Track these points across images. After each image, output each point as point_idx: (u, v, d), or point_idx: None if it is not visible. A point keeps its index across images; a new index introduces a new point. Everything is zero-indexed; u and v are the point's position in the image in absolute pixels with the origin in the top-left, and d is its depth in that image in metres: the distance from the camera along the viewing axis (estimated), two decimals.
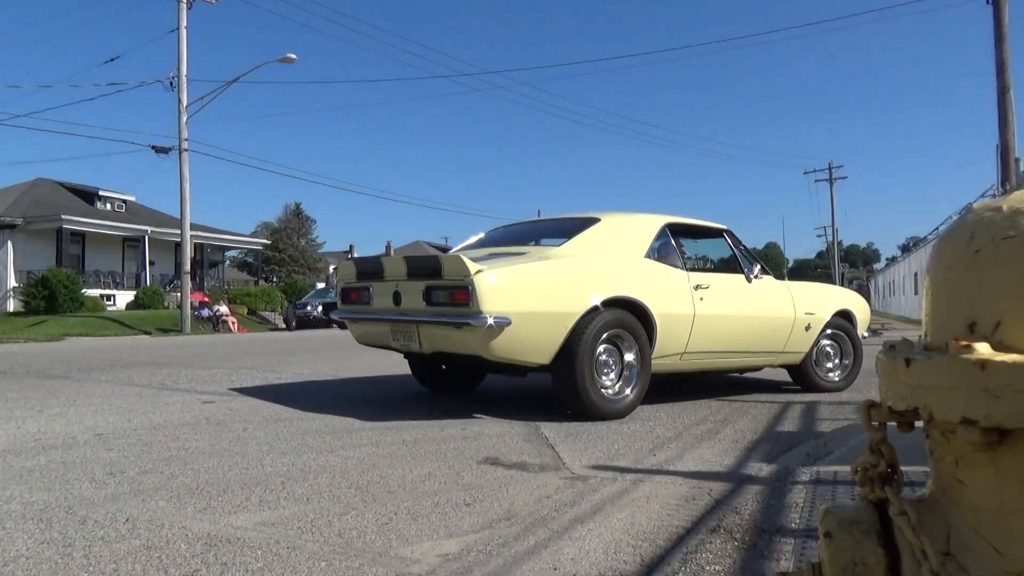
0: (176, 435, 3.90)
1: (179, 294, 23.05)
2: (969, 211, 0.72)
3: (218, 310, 23.49)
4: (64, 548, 2.07)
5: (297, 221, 63.86)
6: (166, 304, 27.61)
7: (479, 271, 4.02)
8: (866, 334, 6.40)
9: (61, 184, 33.92)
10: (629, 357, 4.52)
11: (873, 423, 0.73)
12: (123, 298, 28.97)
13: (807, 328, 5.66)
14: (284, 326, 23.46)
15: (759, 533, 2.19)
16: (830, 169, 46.01)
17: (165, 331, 20.47)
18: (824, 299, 5.92)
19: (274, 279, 47.84)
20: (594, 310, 4.32)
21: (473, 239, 5.69)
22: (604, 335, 4.37)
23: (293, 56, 21.07)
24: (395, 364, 8.61)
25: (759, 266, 5.51)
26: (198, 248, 32.57)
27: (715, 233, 5.58)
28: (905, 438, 0.76)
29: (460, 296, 4.05)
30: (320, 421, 4.37)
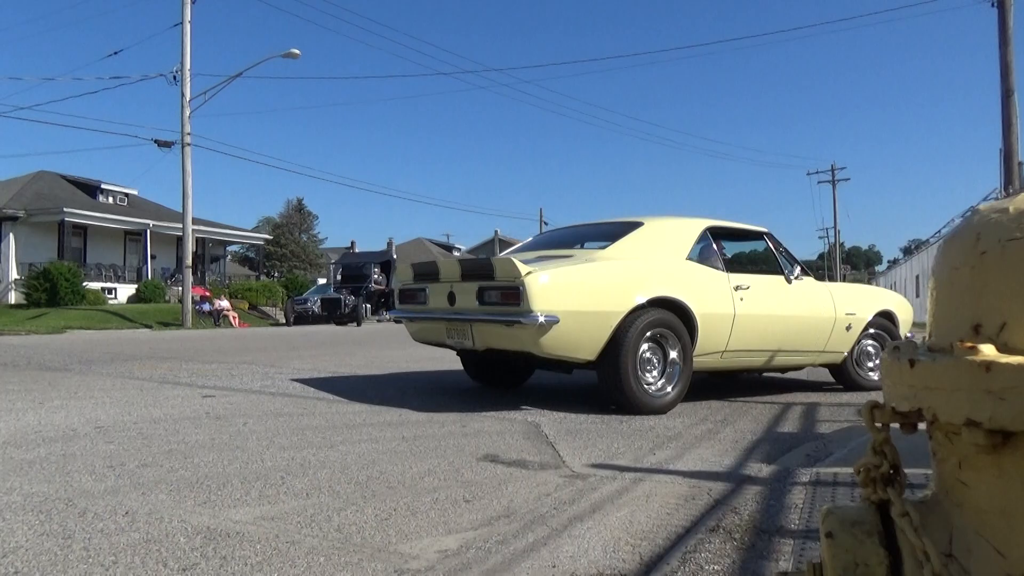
0: (176, 429, 3.91)
1: (180, 288, 23.09)
2: (975, 213, 0.72)
3: (219, 305, 23.50)
4: (64, 540, 2.07)
5: (299, 216, 63.86)
6: (167, 298, 27.63)
7: (529, 272, 4.26)
8: (909, 334, 6.46)
9: (63, 177, 33.94)
10: (672, 355, 4.70)
11: (876, 424, 0.73)
12: (124, 291, 29.01)
13: (848, 328, 5.78)
14: (284, 321, 23.47)
15: (758, 533, 2.19)
16: (833, 170, 45.99)
17: (166, 325, 20.49)
18: (865, 300, 6.04)
19: (275, 274, 47.88)
20: (637, 309, 4.51)
21: (522, 243, 6.03)
22: (648, 334, 4.56)
23: (297, 51, 21.06)
24: (394, 360, 8.62)
25: (799, 267, 5.67)
26: (200, 242, 32.58)
27: (756, 236, 5.80)
28: (907, 440, 0.76)
29: (511, 296, 4.30)
30: (320, 416, 4.37)
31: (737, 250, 6.40)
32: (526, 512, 2.41)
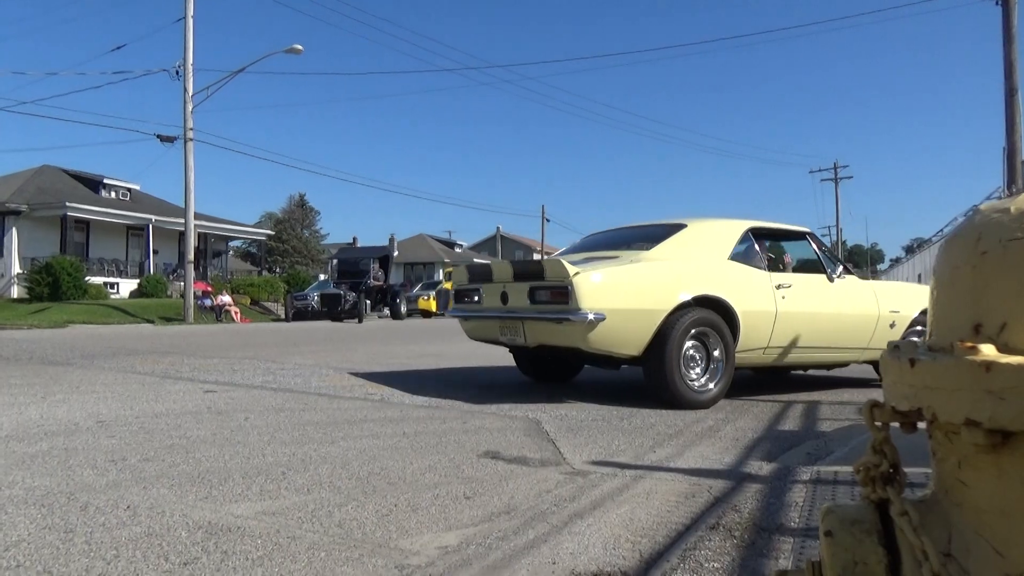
0: (178, 423, 3.92)
1: (182, 283, 23.11)
2: (976, 212, 0.72)
3: (221, 300, 23.52)
4: (65, 534, 2.08)
5: (301, 212, 63.86)
6: (169, 293, 27.67)
7: (577, 273, 4.52)
8: None
9: (66, 172, 33.97)
10: (715, 352, 4.87)
11: (876, 423, 0.73)
12: (126, 286, 29.04)
13: (892, 325, 5.85)
14: (284, 316, 23.34)
15: (758, 531, 2.20)
16: (835, 168, 45.92)
17: (168, 320, 20.52)
18: (910, 297, 6.11)
19: (277, 270, 47.90)
20: (681, 308, 4.71)
21: (570, 245, 6.36)
22: (691, 332, 4.75)
23: (299, 47, 21.05)
24: (397, 356, 8.63)
25: (842, 267, 5.81)
26: (202, 238, 32.61)
27: (798, 236, 5.95)
28: (907, 439, 0.76)
29: (561, 295, 4.58)
30: (321, 412, 4.38)
31: (779, 250, 6.65)
32: (527, 509, 2.42)
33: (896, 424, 0.72)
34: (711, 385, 4.83)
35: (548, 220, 53.77)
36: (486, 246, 69.34)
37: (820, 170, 46.29)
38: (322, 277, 25.78)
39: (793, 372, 6.82)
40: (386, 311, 24.41)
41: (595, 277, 4.56)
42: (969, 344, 0.64)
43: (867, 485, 0.74)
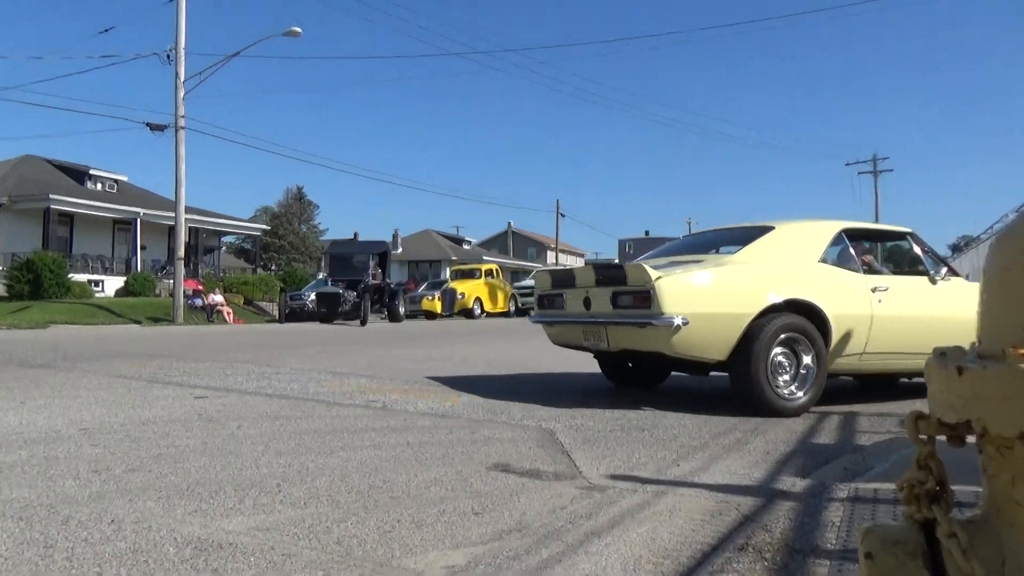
0: (166, 431, 3.94)
1: (171, 281, 23.25)
2: None
3: (212, 299, 23.67)
4: (45, 549, 2.10)
5: (298, 206, 64.22)
6: (157, 292, 27.88)
7: (659, 277, 4.78)
8: None
9: (49, 162, 34.31)
10: (805, 359, 5.02)
11: (921, 436, 0.72)
12: (112, 284, 29.28)
13: None
14: (278, 318, 23.20)
15: (791, 553, 2.18)
16: (874, 161, 45.60)
17: (156, 320, 20.68)
18: None
19: (272, 267, 48.17)
20: (768, 312, 4.91)
21: (653, 250, 6.75)
22: (780, 337, 4.93)
23: (298, 30, 21.15)
24: (400, 361, 8.65)
25: (946, 268, 5.88)
26: (193, 232, 32.83)
27: (897, 236, 6.11)
28: (954, 454, 0.75)
29: (643, 300, 4.86)
30: (319, 420, 4.39)
31: (879, 251, 6.85)
32: (539, 526, 2.42)
33: (942, 437, 0.71)
34: (801, 393, 4.98)
35: (563, 215, 53.63)
36: (496, 243, 69.44)
37: (857, 162, 45.99)
38: (321, 275, 25.52)
39: (896, 381, 6.77)
40: (384, 312, 24.01)
41: (677, 281, 4.83)
42: (1022, 351, 0.63)
43: (911, 504, 0.73)
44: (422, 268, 50.59)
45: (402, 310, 24.26)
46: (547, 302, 6.05)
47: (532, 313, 6.39)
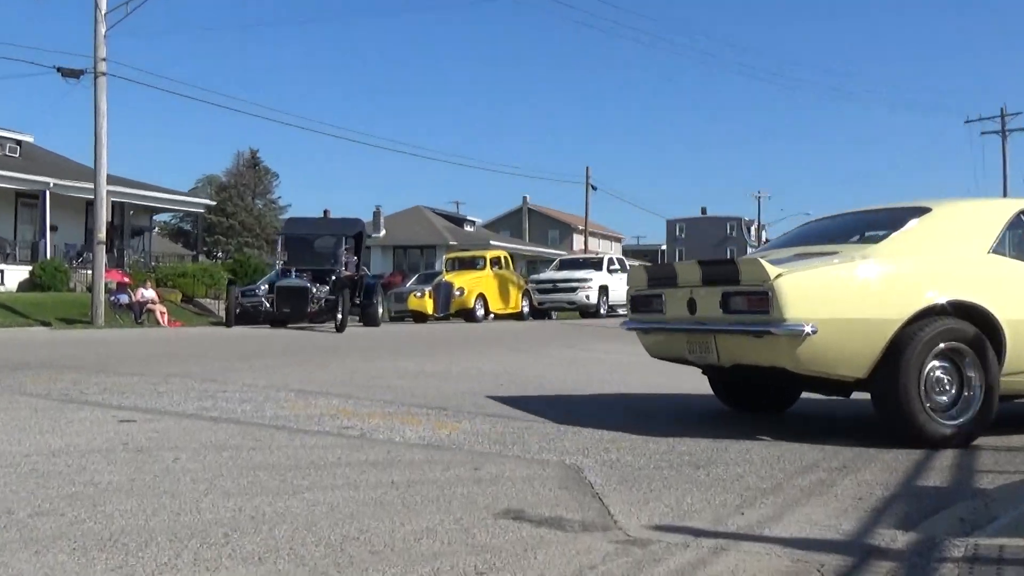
0: (83, 464, 3.96)
1: (89, 272, 23.33)
2: None
3: (142, 295, 23.78)
4: None
5: (252, 175, 64.51)
6: (72, 285, 27.99)
7: (779, 275, 4.86)
8: None
9: None
10: (970, 374, 5.05)
11: None
12: (14, 275, 29.39)
13: None
14: (225, 319, 22.69)
15: None
16: (1002, 118, 45.30)
17: (70, 322, 20.78)
18: None
19: (219, 254, 48.44)
20: (921, 317, 4.96)
21: (776, 238, 6.85)
22: (938, 347, 4.97)
23: None
24: (383, 375, 8.65)
25: None
26: (117, 209, 32.86)
27: None
28: None
29: (759, 302, 4.94)
30: (279, 452, 4.40)
31: None
32: None
33: None
34: (966, 416, 5.01)
35: (594, 188, 53.44)
36: (508, 222, 69.57)
37: (980, 119, 45.69)
38: (278, 264, 24.58)
39: None
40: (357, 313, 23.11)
41: (803, 278, 4.96)
42: None
43: None
44: (412, 256, 50.72)
45: (381, 310, 23.86)
46: (642, 304, 6.26)
47: (626, 318, 6.71)
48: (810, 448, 4.95)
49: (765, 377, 5.62)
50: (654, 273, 6.24)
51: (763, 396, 6.52)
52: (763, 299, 4.89)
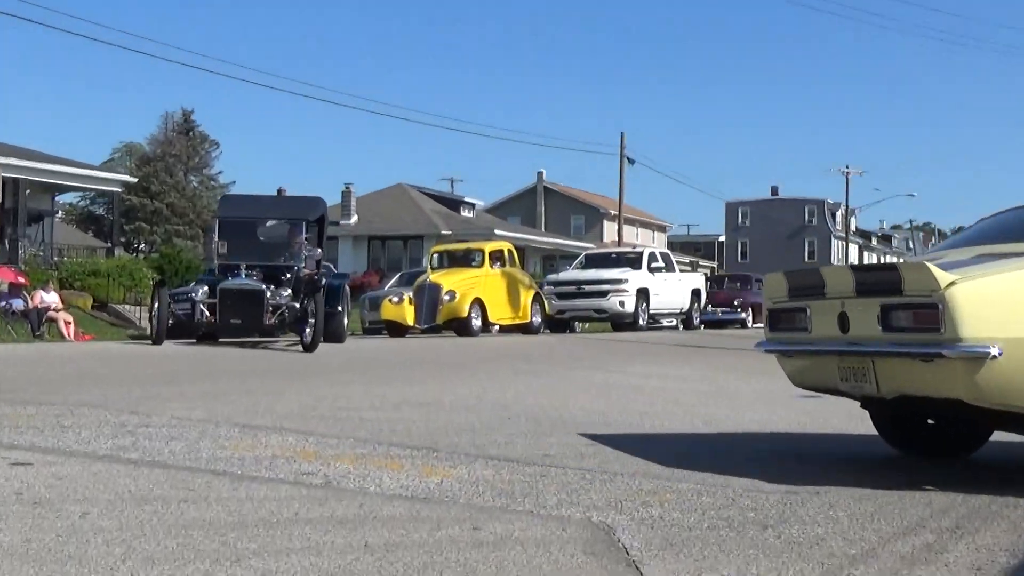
0: None
1: None
2: None
3: (42, 300, 23.84)
4: None
5: (185, 144, 64.60)
6: None
7: (952, 282, 4.84)
8: None
9: None
10: None
11: None
12: None
13: None
14: (150, 333, 22.23)
15: None
16: None
17: None
18: None
19: (141, 246, 48.53)
20: None
21: (956, 236, 6.99)
22: None
23: None
24: (355, 403, 8.64)
25: None
26: (9, 187, 33.06)
27: None
28: None
29: (927, 317, 4.96)
30: (218, 504, 4.40)
31: None
32: None
33: None
34: None
35: (631, 161, 53.30)
36: (518, 206, 69.55)
37: None
38: (216, 260, 23.95)
39: None
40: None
41: (985, 287, 4.97)
42: None
43: None
44: (392, 250, 50.85)
45: (347, 320, 23.35)
46: (783, 320, 6.41)
47: (762, 337, 6.83)
48: (911, 500, 4.94)
49: (939, 412, 5.73)
50: (796, 281, 6.27)
51: (941, 436, 6.55)
52: (932, 313, 4.89)
